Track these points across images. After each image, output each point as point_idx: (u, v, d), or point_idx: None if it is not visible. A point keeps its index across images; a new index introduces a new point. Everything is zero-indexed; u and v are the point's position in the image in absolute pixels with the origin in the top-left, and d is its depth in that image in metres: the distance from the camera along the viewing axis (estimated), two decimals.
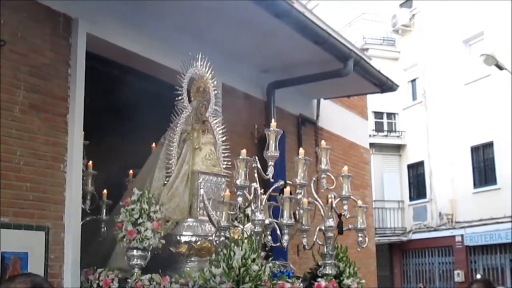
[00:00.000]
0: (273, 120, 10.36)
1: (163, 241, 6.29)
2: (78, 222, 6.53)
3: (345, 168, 6.97)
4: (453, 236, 24.87)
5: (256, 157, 6.25)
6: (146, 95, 8.84)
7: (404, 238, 27.56)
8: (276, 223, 6.23)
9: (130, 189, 7.14)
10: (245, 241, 5.58)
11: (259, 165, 6.21)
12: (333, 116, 12.75)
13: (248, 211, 6.52)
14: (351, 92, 12.27)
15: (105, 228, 7.24)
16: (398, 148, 28.96)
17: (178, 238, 6.58)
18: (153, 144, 7.91)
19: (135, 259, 6.16)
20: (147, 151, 8.09)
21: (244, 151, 5.98)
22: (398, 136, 28.95)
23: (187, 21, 7.86)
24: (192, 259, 6.59)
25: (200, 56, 7.21)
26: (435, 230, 26.05)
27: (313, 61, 9.54)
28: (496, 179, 23.25)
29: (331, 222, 6.66)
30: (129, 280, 6.06)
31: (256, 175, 6.24)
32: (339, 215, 6.73)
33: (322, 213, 6.72)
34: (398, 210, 28.08)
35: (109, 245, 6.90)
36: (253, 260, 5.43)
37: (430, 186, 26.74)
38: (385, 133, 28.88)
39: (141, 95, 8.82)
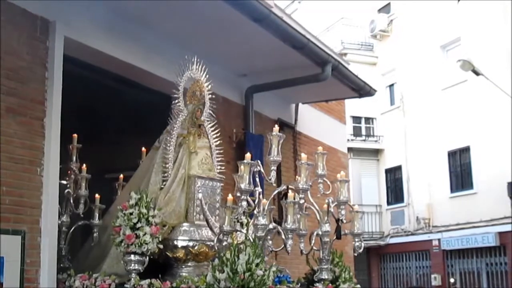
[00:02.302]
0: (252, 123, 10.66)
1: (161, 246, 6.22)
2: (55, 226, 6.44)
3: (342, 173, 6.96)
4: (430, 240, 25.03)
5: (259, 161, 6.22)
6: (124, 99, 8.82)
7: (381, 242, 27.68)
8: (280, 228, 6.20)
9: (125, 193, 7.09)
10: (248, 246, 5.56)
11: (262, 169, 6.20)
12: (311, 120, 12.76)
13: (243, 217, 6.48)
14: (329, 97, 12.32)
15: (97, 232, 7.11)
16: (376, 153, 29.11)
17: (175, 243, 6.52)
18: (143, 148, 7.86)
19: (133, 264, 6.06)
20: (124, 155, 8.06)
21: (248, 155, 5.96)
22: (376, 141, 29.09)
23: (165, 24, 7.84)
24: (189, 264, 6.55)
25: (194, 60, 7.18)
26: (413, 234, 26.22)
27: (291, 65, 9.54)
28: (472, 184, 23.45)
29: (327, 227, 6.65)
30: (126, 286, 6.00)
31: (257, 179, 6.24)
32: (337, 220, 6.69)
33: (318, 218, 6.69)
34: (375, 214, 28.20)
35: (102, 250, 6.83)
36: (257, 265, 5.42)
37: (407, 191, 26.91)
38: (363, 137, 29.01)
39: (120, 99, 8.80)
